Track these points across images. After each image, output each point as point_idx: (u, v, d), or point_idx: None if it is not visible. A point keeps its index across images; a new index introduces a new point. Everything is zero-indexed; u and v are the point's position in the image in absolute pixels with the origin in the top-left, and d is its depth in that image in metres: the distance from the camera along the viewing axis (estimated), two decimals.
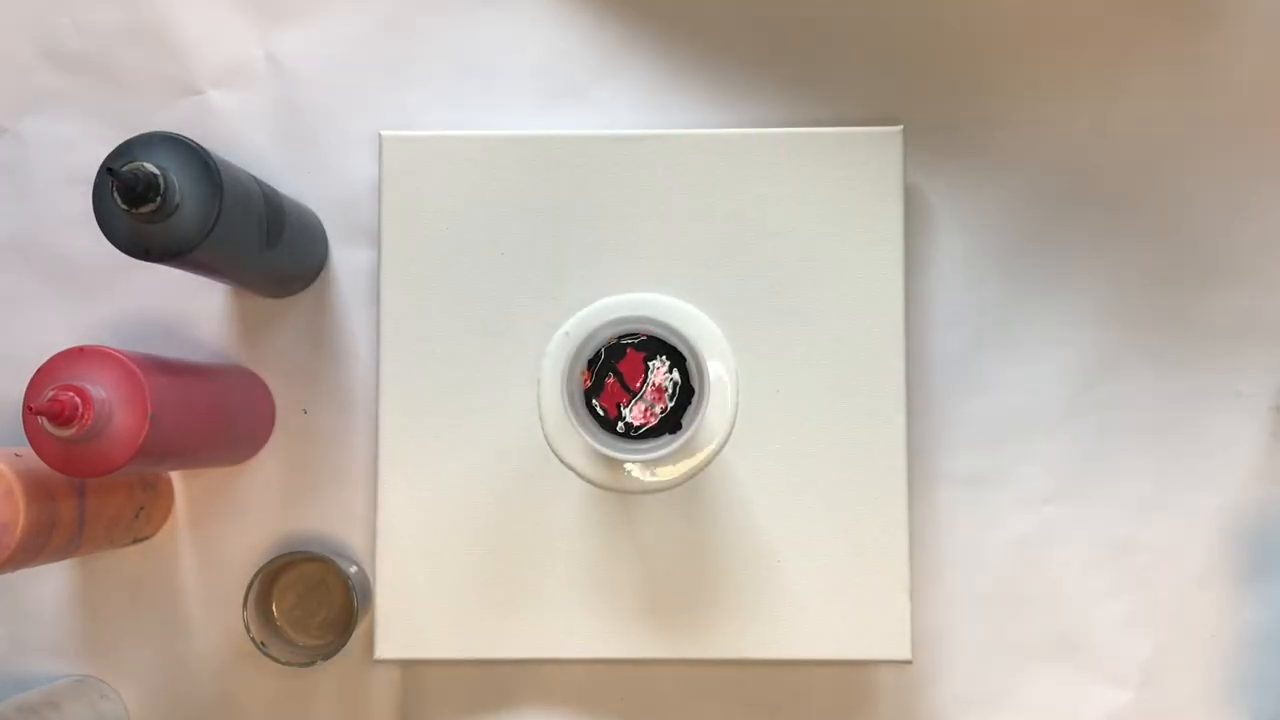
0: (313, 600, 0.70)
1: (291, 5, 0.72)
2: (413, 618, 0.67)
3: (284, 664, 0.67)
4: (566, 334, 0.65)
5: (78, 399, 0.55)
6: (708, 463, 0.65)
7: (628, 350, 0.65)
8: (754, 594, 0.66)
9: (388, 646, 0.67)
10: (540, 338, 0.66)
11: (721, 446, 0.63)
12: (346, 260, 0.72)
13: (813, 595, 0.66)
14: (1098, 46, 0.71)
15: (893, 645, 0.66)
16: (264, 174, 0.68)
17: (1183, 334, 0.71)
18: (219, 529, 0.71)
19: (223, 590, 0.71)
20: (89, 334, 0.71)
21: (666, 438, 0.64)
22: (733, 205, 0.67)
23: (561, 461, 0.66)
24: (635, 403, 0.64)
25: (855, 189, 0.67)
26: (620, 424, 0.59)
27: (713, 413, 0.60)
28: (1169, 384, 0.71)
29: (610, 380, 0.60)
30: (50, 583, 0.72)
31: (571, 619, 0.67)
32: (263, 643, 0.67)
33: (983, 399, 0.71)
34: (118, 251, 0.56)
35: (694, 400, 0.60)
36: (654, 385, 0.65)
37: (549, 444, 0.60)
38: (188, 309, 0.72)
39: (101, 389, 0.56)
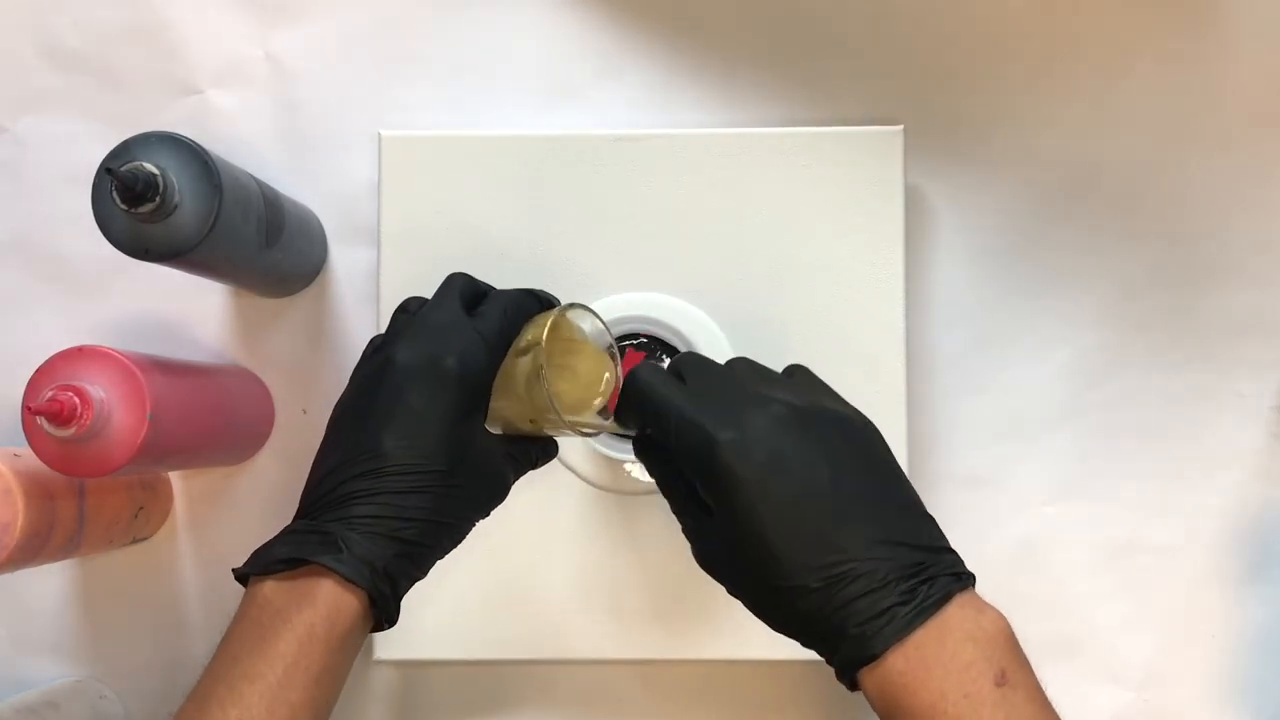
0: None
1: (291, 5, 0.72)
2: (413, 618, 0.66)
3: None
4: None
5: (76, 399, 0.54)
6: None
7: (627, 350, 0.65)
8: None
9: (388, 647, 0.67)
10: None
11: None
12: (346, 260, 0.72)
13: None
14: (1098, 46, 0.71)
15: None
16: (263, 174, 0.67)
17: (1183, 334, 0.71)
18: (219, 529, 0.71)
19: (222, 590, 0.71)
20: (88, 334, 0.71)
21: None
22: (733, 205, 0.67)
23: (561, 462, 0.66)
24: None
25: (855, 189, 0.66)
26: None
27: None
28: (1169, 384, 0.71)
29: None
30: (50, 583, 0.71)
31: (571, 620, 0.67)
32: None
33: (983, 399, 0.71)
34: (117, 251, 0.56)
35: None
36: None
37: None
38: (187, 309, 0.72)
39: (100, 389, 0.56)
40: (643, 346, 0.65)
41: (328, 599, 0.48)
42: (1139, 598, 0.70)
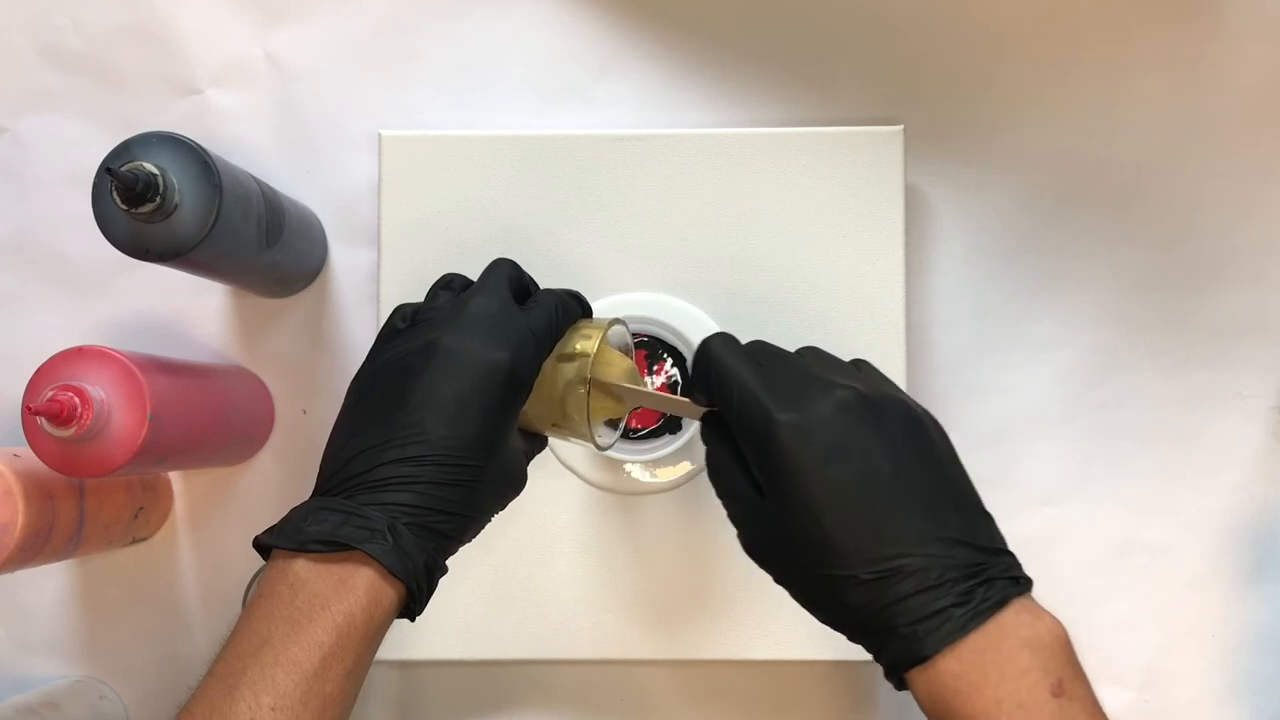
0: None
1: (291, 5, 0.72)
2: None
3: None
4: None
5: (76, 399, 0.54)
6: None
7: None
8: (755, 594, 0.66)
9: (388, 647, 0.67)
10: None
11: None
12: (346, 260, 0.72)
13: None
14: (1099, 46, 0.71)
15: None
16: (264, 174, 0.67)
17: (1183, 334, 0.71)
18: (219, 529, 0.71)
19: (222, 590, 0.71)
20: (89, 334, 0.71)
21: (667, 438, 0.64)
22: (733, 205, 0.67)
23: (561, 462, 0.66)
24: None
25: (855, 189, 0.66)
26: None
27: None
28: (1169, 384, 0.71)
29: None
30: (50, 583, 0.71)
31: (571, 620, 0.67)
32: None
33: (983, 399, 0.71)
34: (117, 251, 0.56)
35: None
36: (654, 385, 0.65)
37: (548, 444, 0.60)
38: (187, 309, 0.72)
39: (100, 389, 0.56)
40: (643, 346, 0.65)
41: (368, 589, 0.46)
42: (1139, 598, 0.70)
